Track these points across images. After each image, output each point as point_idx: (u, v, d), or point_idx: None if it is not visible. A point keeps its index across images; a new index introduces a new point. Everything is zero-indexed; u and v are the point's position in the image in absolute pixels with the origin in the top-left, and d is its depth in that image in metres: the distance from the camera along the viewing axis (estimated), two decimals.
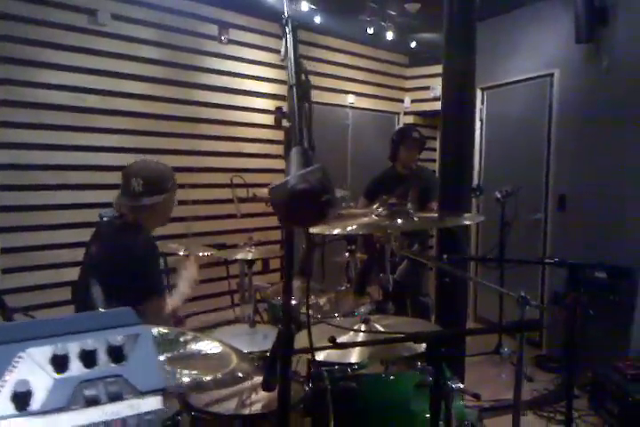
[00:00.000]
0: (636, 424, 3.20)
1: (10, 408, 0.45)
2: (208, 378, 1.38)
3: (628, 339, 3.82)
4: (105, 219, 2.40)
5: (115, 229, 2.36)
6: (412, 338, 1.39)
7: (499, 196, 4.29)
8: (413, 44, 6.13)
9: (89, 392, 0.47)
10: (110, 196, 2.46)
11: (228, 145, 5.12)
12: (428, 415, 1.55)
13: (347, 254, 2.64)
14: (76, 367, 0.49)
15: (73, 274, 3.88)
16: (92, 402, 0.47)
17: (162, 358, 1.48)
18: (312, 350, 1.48)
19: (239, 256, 2.89)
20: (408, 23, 5.39)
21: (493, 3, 4.53)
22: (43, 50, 3.90)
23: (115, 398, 0.48)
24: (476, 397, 1.71)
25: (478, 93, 5.48)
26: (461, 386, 1.77)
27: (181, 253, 3.12)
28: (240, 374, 1.46)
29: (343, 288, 2.70)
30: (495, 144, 5.49)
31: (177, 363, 1.46)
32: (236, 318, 3.64)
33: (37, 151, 3.92)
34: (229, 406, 1.97)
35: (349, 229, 1.81)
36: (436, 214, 2.07)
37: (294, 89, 1.07)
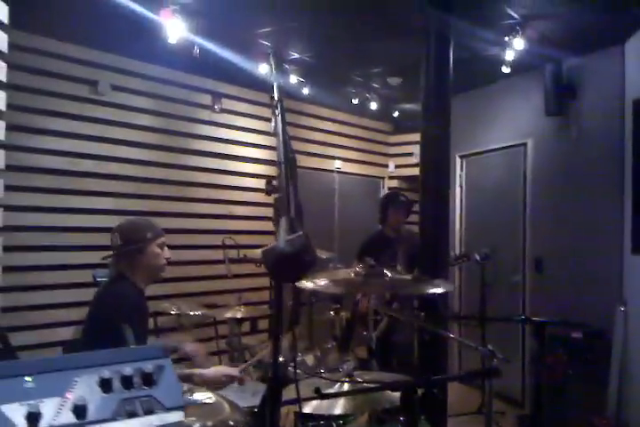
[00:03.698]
0: None
1: (72, 418, 0.59)
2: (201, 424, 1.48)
3: (604, 398, 3.92)
4: (98, 279, 2.49)
5: (103, 285, 2.47)
6: (387, 387, 1.51)
7: (478, 258, 4.46)
8: (396, 114, 6.51)
9: (129, 407, 0.61)
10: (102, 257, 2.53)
11: (219, 208, 5.30)
12: None
13: (332, 313, 2.76)
14: (117, 389, 0.63)
15: (67, 333, 3.94)
16: (132, 415, 0.61)
17: None
18: (299, 400, 1.58)
19: (229, 315, 3.00)
20: (391, 94, 5.76)
21: (471, 78, 4.90)
22: (45, 118, 4.11)
23: (148, 412, 0.62)
24: None
25: (458, 161, 5.77)
26: None
27: (172, 312, 3.22)
28: (231, 423, 1.56)
29: (329, 346, 2.80)
30: (475, 209, 5.73)
31: None
32: None
33: (30, 213, 4.02)
34: None
35: (320, 283, 1.89)
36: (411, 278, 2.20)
37: (282, 166, 1.29)
